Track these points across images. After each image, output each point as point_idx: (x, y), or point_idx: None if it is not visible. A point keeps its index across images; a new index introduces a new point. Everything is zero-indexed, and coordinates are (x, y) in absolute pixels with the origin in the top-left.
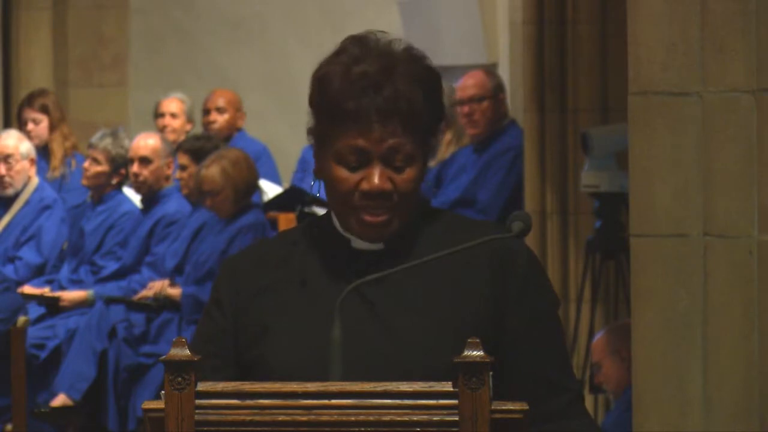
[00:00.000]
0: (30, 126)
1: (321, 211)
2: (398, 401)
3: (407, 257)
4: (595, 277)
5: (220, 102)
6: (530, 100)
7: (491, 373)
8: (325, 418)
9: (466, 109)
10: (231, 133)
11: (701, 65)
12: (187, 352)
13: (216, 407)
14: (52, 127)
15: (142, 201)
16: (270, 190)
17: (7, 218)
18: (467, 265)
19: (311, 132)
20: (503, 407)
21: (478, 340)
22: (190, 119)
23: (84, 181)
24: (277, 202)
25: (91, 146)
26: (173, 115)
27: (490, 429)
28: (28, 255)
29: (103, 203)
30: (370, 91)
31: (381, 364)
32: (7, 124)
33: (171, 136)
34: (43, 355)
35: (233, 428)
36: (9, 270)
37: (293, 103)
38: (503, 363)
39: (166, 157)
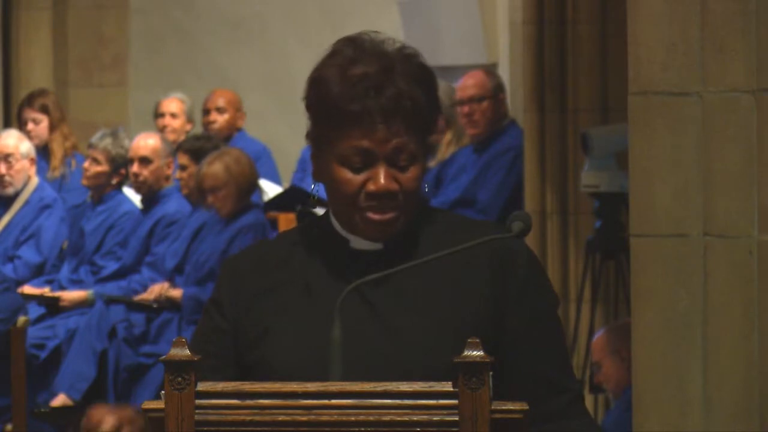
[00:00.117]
0: (30, 126)
1: (321, 211)
2: (398, 401)
3: (407, 257)
4: (595, 277)
5: (220, 102)
6: (530, 100)
7: (491, 373)
8: (325, 418)
9: (466, 109)
10: (231, 133)
11: (701, 65)
12: (187, 352)
13: (216, 407)
14: (52, 127)
15: (142, 201)
16: (270, 190)
17: (6, 218)
18: (467, 265)
19: (310, 135)
20: (503, 407)
21: (478, 340)
22: (190, 119)
23: (84, 181)
24: (277, 202)
25: (91, 146)
26: (173, 115)
27: (490, 429)
28: (28, 254)
29: (103, 203)
30: (371, 92)
31: (381, 364)
32: (7, 124)
33: (171, 136)
34: (43, 355)
35: (233, 428)
36: (8, 269)
37: (293, 103)
38: (503, 363)
39: (166, 157)
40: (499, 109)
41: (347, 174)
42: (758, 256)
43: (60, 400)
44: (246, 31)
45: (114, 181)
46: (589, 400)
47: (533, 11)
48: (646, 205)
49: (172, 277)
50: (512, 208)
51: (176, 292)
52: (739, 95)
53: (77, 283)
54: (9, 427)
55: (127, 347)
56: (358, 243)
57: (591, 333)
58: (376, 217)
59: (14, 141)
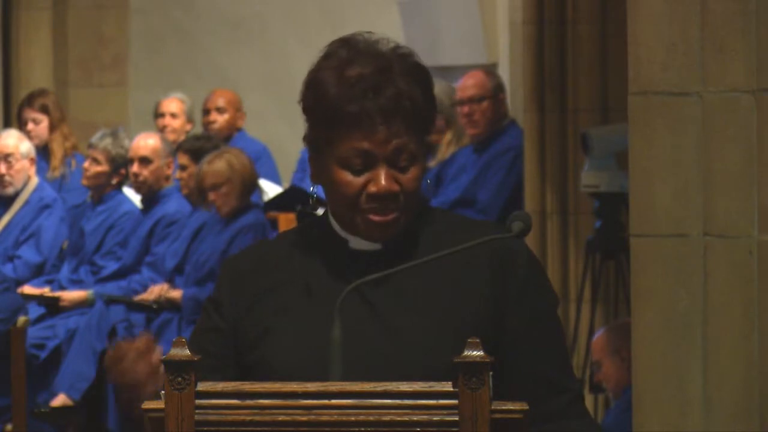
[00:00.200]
0: (30, 126)
1: (321, 211)
2: (398, 401)
3: (407, 257)
4: (595, 277)
5: (220, 102)
6: (530, 100)
7: (491, 373)
8: (325, 418)
9: (466, 109)
10: (231, 133)
11: (701, 65)
12: (187, 352)
13: (216, 407)
14: (52, 127)
15: (142, 201)
16: (270, 190)
17: (6, 218)
18: (467, 265)
19: (307, 138)
20: (503, 407)
21: (478, 340)
22: (190, 119)
23: (84, 181)
24: (277, 202)
25: (91, 146)
26: (173, 115)
27: (490, 429)
28: (28, 254)
29: (103, 203)
30: (369, 93)
31: (381, 364)
32: (7, 124)
33: (171, 136)
34: (43, 355)
35: (233, 428)
36: (8, 269)
37: (293, 103)
38: (503, 363)
39: (166, 157)
40: (499, 109)
41: (347, 176)
42: (758, 256)
43: (60, 400)
44: (246, 31)
45: (114, 181)
46: (589, 400)
47: (533, 11)
48: (646, 205)
49: (172, 277)
50: (512, 208)
51: (176, 293)
52: (739, 95)
53: (77, 283)
54: (9, 427)
55: None
56: (357, 243)
57: (591, 333)
58: (377, 218)
59: (14, 141)
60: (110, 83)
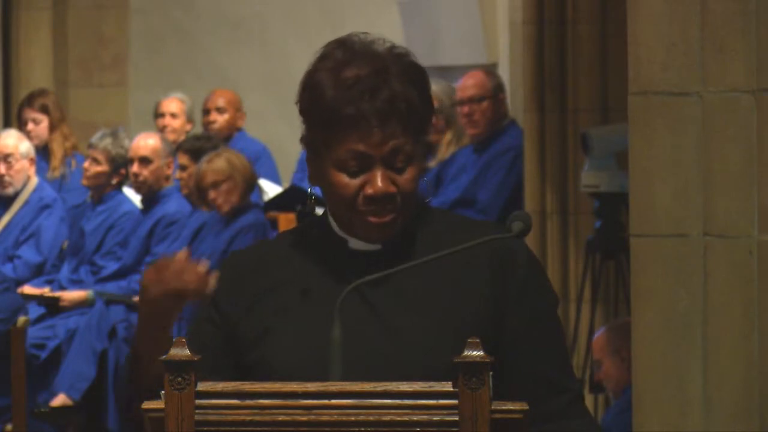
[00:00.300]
0: (30, 126)
1: (321, 211)
2: (398, 401)
3: (406, 257)
4: (595, 277)
5: (220, 102)
6: (530, 100)
7: (491, 373)
8: (325, 418)
9: (466, 109)
10: (231, 133)
11: (701, 65)
12: (187, 352)
13: (216, 407)
14: (52, 127)
15: (142, 201)
16: (270, 190)
17: (6, 218)
18: (467, 265)
19: (304, 140)
20: (503, 407)
21: (478, 340)
22: (190, 119)
23: (84, 181)
24: (277, 202)
25: (91, 146)
26: (173, 115)
27: (490, 429)
28: (28, 254)
29: (103, 203)
30: (366, 94)
31: (381, 364)
32: (7, 124)
33: (171, 136)
34: (43, 355)
35: (233, 428)
36: (8, 269)
37: (293, 103)
38: (503, 363)
39: (166, 157)
40: (499, 109)
41: (344, 178)
42: (758, 256)
43: (60, 400)
44: (246, 31)
45: (114, 181)
46: (589, 400)
47: (533, 11)
48: (646, 205)
49: None
50: (512, 208)
51: None
52: (739, 95)
53: (77, 283)
54: (9, 427)
55: (127, 347)
56: (356, 243)
57: (591, 333)
58: (374, 220)
59: (14, 141)
60: (110, 83)
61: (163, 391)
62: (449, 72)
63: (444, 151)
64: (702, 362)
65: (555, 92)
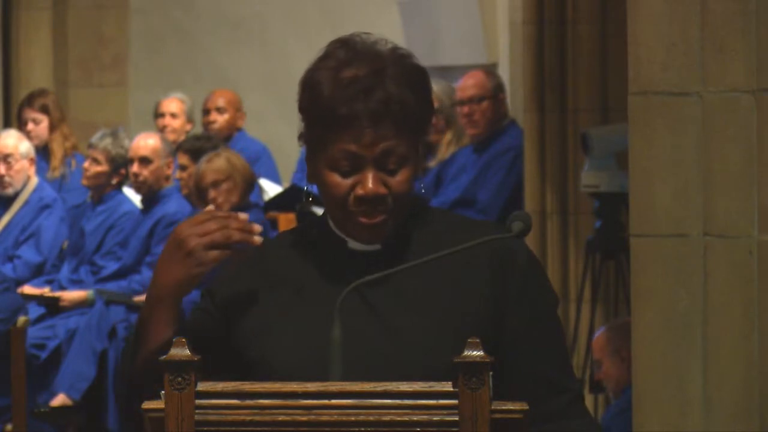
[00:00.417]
0: (30, 126)
1: (320, 210)
2: (398, 401)
3: (406, 257)
4: (595, 277)
5: (220, 102)
6: (530, 100)
7: (491, 373)
8: (325, 418)
9: (466, 109)
10: (231, 133)
11: (701, 65)
12: (187, 352)
13: (216, 407)
14: (52, 127)
15: (142, 201)
16: (270, 190)
17: (6, 218)
18: (467, 265)
19: (303, 137)
20: (503, 407)
21: (478, 340)
22: (190, 119)
23: (84, 181)
24: (277, 202)
25: (91, 146)
26: (173, 115)
27: (490, 429)
28: (27, 254)
29: (103, 203)
30: (361, 95)
31: (381, 364)
32: (7, 124)
33: (171, 136)
34: (43, 355)
35: (233, 428)
36: (8, 269)
37: (293, 103)
38: (503, 363)
39: (166, 157)
40: (499, 109)
41: (336, 178)
42: (758, 256)
43: (60, 400)
44: (246, 31)
45: (114, 181)
46: (589, 400)
47: (533, 11)
48: (646, 205)
49: None
50: (512, 208)
51: None
52: (739, 95)
53: (77, 283)
54: (9, 427)
55: None
56: (355, 243)
57: (591, 333)
58: (364, 220)
59: (14, 141)
60: (110, 83)
61: (163, 391)
62: (449, 72)
63: (444, 151)
64: (702, 362)
65: (555, 92)
